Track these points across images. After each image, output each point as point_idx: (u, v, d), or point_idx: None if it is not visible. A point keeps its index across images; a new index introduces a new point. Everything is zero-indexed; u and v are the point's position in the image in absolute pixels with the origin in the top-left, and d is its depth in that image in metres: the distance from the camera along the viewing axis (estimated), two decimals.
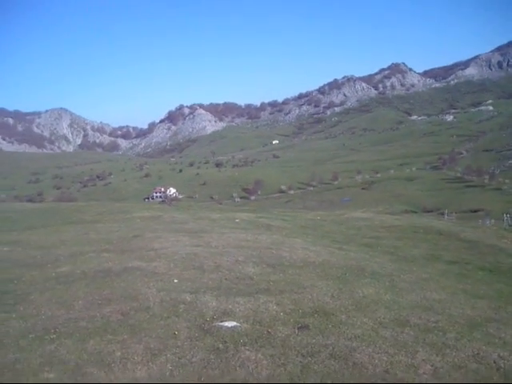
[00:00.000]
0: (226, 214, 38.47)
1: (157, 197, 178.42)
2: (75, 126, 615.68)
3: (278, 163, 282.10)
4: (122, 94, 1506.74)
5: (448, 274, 16.53)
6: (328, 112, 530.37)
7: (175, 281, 12.76)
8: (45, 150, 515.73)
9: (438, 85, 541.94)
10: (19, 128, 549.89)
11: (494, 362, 7.91)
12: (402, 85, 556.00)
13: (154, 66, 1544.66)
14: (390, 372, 7.41)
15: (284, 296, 11.40)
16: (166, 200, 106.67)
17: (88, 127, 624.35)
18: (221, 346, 8.41)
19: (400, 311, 10.56)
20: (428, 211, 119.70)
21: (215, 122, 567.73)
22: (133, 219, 33.60)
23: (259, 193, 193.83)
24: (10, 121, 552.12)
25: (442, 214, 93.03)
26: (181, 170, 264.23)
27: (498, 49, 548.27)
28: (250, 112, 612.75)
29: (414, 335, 9.06)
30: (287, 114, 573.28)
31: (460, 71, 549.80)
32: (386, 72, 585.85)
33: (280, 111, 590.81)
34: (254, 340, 8.67)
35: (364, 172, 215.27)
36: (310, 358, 7.88)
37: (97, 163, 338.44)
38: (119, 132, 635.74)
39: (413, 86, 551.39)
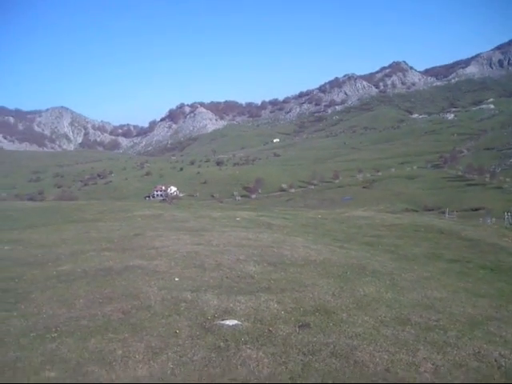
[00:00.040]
0: (226, 213, 38.48)
1: (158, 195, 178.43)
2: (76, 125, 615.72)
3: (278, 162, 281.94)
4: (123, 92, 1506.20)
5: (449, 273, 16.53)
6: (329, 110, 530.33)
7: (176, 279, 12.76)
8: (45, 149, 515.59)
9: (438, 83, 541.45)
10: (20, 127, 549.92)
11: (495, 361, 7.91)
12: (403, 83, 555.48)
13: (154, 64, 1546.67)
14: (390, 370, 7.41)
15: (285, 294, 11.40)
16: (167, 198, 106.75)
17: (89, 126, 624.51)
18: (222, 344, 8.41)
19: (401, 310, 10.56)
20: (429, 210, 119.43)
21: (216, 120, 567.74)
22: (134, 218, 33.61)
23: (260, 191, 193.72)
24: (11, 119, 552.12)
25: (443, 212, 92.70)
26: (182, 169, 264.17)
27: (499, 47, 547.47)
28: (251, 110, 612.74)
29: (415, 334, 9.06)
30: (288, 112, 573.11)
31: (461, 69, 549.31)
32: (387, 70, 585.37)
33: (281, 110, 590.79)
34: (255, 338, 8.67)
35: (365, 170, 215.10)
36: (311, 357, 7.88)
37: (98, 162, 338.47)
38: (120, 130, 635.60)
39: (414, 84, 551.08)
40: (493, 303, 11.91)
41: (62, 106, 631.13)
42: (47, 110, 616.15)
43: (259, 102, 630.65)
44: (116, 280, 12.65)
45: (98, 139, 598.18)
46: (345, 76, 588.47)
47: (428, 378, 7.20)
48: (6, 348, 8.23)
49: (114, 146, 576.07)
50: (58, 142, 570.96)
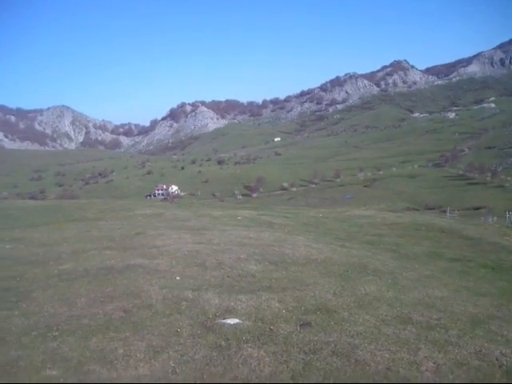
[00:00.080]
0: (227, 212, 38.53)
1: (159, 194, 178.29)
2: (77, 124, 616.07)
3: (280, 160, 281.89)
4: (124, 91, 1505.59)
5: (450, 272, 16.52)
6: (330, 109, 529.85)
7: (177, 278, 12.77)
8: (47, 148, 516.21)
9: (440, 82, 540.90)
10: (21, 125, 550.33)
11: (497, 360, 7.91)
12: (404, 82, 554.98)
13: (155, 63, 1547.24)
14: (392, 369, 7.41)
15: (286, 293, 11.41)
16: (168, 197, 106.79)
17: (90, 125, 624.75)
18: (223, 343, 8.42)
19: (402, 308, 10.56)
20: (430, 208, 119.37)
21: (217, 119, 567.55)
22: (135, 217, 33.66)
23: (261, 190, 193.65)
24: (12, 118, 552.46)
25: (444, 211, 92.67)
26: (183, 168, 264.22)
27: (501, 46, 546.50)
28: (252, 109, 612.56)
29: (416, 332, 9.06)
30: (289, 111, 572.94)
31: (462, 68, 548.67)
32: (388, 69, 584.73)
33: (282, 108, 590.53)
34: (257, 337, 8.68)
35: (366, 169, 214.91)
36: (312, 355, 7.88)
37: (99, 161, 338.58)
38: (121, 129, 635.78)
39: (415, 83, 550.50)
40: (494, 302, 11.90)
41: (63, 105, 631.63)
42: (48, 108, 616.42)
43: (260, 101, 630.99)
44: (117, 279, 12.66)
45: (100, 138, 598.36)
46: (346, 75, 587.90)
47: (429, 376, 7.20)
48: (8, 347, 8.24)
49: (116, 144, 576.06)
50: (59, 141, 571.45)
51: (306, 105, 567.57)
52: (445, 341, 8.66)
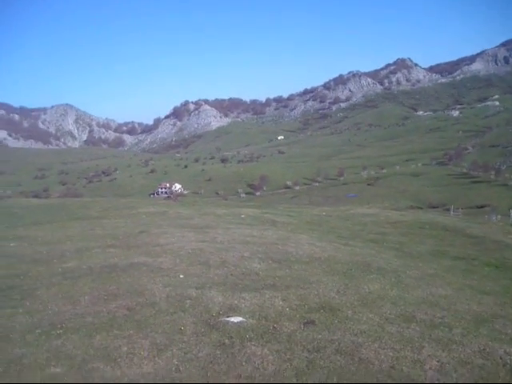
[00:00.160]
0: (231, 210, 38.54)
1: (162, 192, 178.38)
2: (81, 122, 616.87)
3: (283, 159, 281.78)
4: (128, 90, 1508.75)
5: (454, 270, 16.50)
6: (333, 108, 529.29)
7: (181, 276, 12.78)
8: (50, 146, 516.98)
9: (443, 80, 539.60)
10: (25, 124, 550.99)
11: (501, 358, 7.89)
12: (408, 80, 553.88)
13: (159, 61, 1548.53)
14: (395, 368, 7.40)
15: (290, 291, 11.41)
16: (172, 196, 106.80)
17: (93, 123, 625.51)
18: (227, 341, 8.42)
19: (406, 307, 10.55)
20: (434, 207, 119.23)
21: (220, 117, 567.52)
22: (138, 215, 33.71)
23: (264, 188, 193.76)
24: (16, 117, 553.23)
25: (448, 209, 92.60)
26: (186, 166, 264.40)
27: (505, 44, 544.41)
28: (256, 108, 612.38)
29: (420, 331, 9.05)
30: (292, 109, 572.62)
31: (466, 66, 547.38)
32: (392, 67, 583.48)
33: (285, 107, 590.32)
34: (260, 335, 8.68)
35: (369, 168, 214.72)
36: (315, 354, 7.88)
37: (102, 159, 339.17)
38: (124, 128, 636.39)
39: (418, 81, 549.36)
40: (498, 301, 11.88)
41: (66, 104, 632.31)
42: (52, 107, 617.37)
43: (264, 100, 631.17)
44: (121, 277, 12.68)
45: (103, 136, 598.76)
46: (349, 73, 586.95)
47: (433, 375, 7.19)
48: (12, 344, 8.26)
49: (119, 143, 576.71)
50: (62, 140, 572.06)
51: (310, 103, 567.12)
52: (448, 339, 8.64)
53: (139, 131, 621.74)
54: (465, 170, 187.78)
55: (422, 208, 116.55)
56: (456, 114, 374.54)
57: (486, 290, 13.21)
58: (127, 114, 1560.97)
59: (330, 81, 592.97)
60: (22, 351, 7.95)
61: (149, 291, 11.20)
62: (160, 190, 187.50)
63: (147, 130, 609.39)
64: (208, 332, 8.82)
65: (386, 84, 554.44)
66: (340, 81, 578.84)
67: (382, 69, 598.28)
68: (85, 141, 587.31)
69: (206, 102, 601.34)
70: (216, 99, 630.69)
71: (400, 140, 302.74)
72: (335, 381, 6.97)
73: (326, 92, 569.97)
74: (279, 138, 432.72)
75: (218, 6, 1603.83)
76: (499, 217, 66.51)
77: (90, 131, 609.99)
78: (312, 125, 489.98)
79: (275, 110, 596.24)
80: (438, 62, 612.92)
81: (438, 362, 7.64)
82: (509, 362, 7.76)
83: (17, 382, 6.93)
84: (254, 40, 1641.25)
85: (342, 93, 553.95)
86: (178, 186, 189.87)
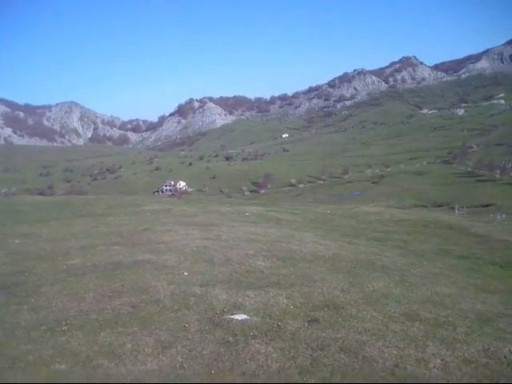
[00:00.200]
0: (235, 208, 38.58)
1: (166, 190, 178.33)
2: (85, 120, 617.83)
3: (287, 157, 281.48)
4: (132, 87, 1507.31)
5: (458, 269, 16.47)
6: (338, 106, 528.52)
7: (185, 274, 12.80)
8: (55, 144, 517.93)
9: (449, 78, 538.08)
10: (30, 121, 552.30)
11: (505, 357, 7.88)
12: (413, 78, 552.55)
13: (164, 59, 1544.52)
14: (399, 366, 7.40)
15: (294, 289, 11.41)
16: (176, 193, 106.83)
17: (98, 121, 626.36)
18: (231, 338, 8.44)
19: (410, 305, 10.54)
20: (438, 206, 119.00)
21: (225, 115, 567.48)
22: (143, 212, 33.77)
23: (269, 186, 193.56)
24: (21, 114, 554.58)
25: (453, 208, 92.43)
26: (190, 164, 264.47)
27: (510, 42, 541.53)
28: (260, 105, 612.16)
29: (424, 329, 9.04)
30: (297, 107, 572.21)
31: (471, 65, 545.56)
32: (397, 65, 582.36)
33: (290, 105, 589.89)
34: (264, 333, 8.69)
35: (374, 166, 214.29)
36: (319, 352, 7.89)
37: (107, 156, 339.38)
38: (129, 125, 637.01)
39: (423, 79, 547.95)
40: (502, 300, 11.85)
41: (71, 101, 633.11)
42: (57, 104, 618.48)
43: (268, 97, 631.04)
44: (125, 274, 12.71)
45: (108, 134, 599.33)
46: (354, 71, 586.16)
47: (437, 374, 7.19)
48: (17, 341, 8.31)
49: (124, 140, 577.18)
50: (67, 137, 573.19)
51: (314, 101, 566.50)
52: (453, 338, 8.64)
53: (144, 129, 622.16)
54: (470, 169, 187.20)
55: (426, 206, 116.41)
56: (461, 112, 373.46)
57: (490, 289, 13.19)
58: (132, 112, 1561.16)
59: (334, 79, 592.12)
60: (27, 347, 7.99)
61: (153, 288, 11.23)
62: (164, 187, 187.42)
63: (152, 127, 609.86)
64: (212, 329, 8.84)
65: (391, 82, 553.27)
66: (345, 79, 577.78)
67: (387, 67, 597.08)
68: (89, 138, 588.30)
69: (211, 99, 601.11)
70: (221, 97, 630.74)
71: (405, 138, 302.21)
72: (339, 378, 6.98)
73: (331, 90, 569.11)
74: (284, 135, 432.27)
75: (224, 4, 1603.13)
76: (504, 216, 66.33)
77: (95, 129, 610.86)
78: (316, 123, 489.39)
79: (280, 107, 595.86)
80: (444, 60, 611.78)
81: (441, 360, 7.64)
82: None
83: (22, 378, 6.97)
84: (258, 38, 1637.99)
85: (346, 91, 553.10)
86: (182, 184, 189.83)
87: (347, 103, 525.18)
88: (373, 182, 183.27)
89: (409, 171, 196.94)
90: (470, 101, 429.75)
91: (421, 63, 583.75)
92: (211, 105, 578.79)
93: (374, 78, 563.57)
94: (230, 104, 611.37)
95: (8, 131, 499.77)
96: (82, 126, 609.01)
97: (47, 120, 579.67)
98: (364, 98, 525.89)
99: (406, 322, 9.40)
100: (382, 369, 7.29)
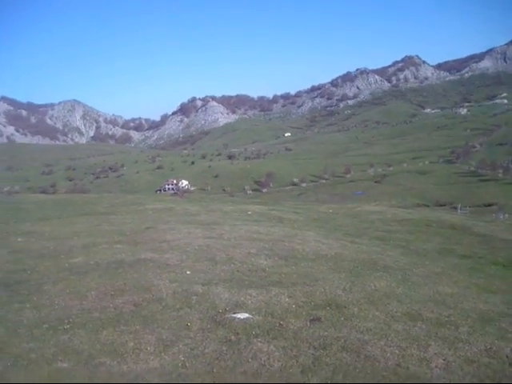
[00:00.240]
0: (238, 207, 38.57)
1: (169, 189, 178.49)
2: (88, 118, 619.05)
3: (290, 156, 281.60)
4: (135, 86, 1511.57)
5: (461, 269, 16.43)
6: (341, 105, 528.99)
7: (188, 272, 12.81)
8: (58, 142, 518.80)
9: (452, 77, 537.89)
10: (32, 120, 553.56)
11: (507, 357, 7.86)
12: (416, 77, 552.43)
13: (166, 58, 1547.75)
14: (401, 365, 7.40)
15: (296, 288, 11.41)
16: (178, 192, 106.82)
17: (101, 119, 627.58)
18: (233, 337, 8.44)
19: (412, 305, 10.53)
20: (441, 205, 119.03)
21: (228, 114, 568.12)
22: (145, 211, 33.78)
23: (271, 185, 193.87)
24: (24, 113, 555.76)
25: (455, 207, 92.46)
26: (193, 162, 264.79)
27: None
28: (263, 104, 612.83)
29: (427, 329, 9.03)
30: (300, 106, 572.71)
31: (474, 64, 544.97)
32: (400, 65, 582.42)
33: (293, 104, 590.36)
34: (266, 332, 8.69)
35: (377, 165, 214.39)
36: (321, 351, 7.88)
37: (109, 155, 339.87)
38: (132, 124, 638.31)
39: (426, 78, 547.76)
40: (504, 299, 11.82)
41: (74, 100, 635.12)
42: (59, 103, 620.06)
43: (271, 96, 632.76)
44: (128, 273, 12.72)
45: (110, 132, 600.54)
46: (357, 70, 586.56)
47: (439, 373, 7.18)
48: (20, 339, 8.32)
49: (126, 139, 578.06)
50: (70, 136, 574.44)
51: (317, 100, 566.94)
52: (455, 338, 8.62)
53: (146, 127, 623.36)
54: (472, 168, 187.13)
55: (428, 206, 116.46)
56: (464, 111, 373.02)
57: (492, 289, 13.16)
58: (134, 111, 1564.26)
59: (337, 78, 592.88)
60: (30, 346, 8.01)
61: (155, 287, 11.23)
62: (167, 186, 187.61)
63: (154, 126, 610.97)
64: (214, 328, 8.84)
65: (394, 81, 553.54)
66: (347, 78, 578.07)
67: (389, 66, 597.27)
68: (92, 137, 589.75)
69: (214, 98, 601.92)
70: (223, 96, 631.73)
71: (407, 138, 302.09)
72: (341, 378, 6.98)
73: (334, 89, 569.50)
74: (286, 134, 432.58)
75: (228, 2, 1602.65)
76: (507, 215, 66.41)
77: (97, 127, 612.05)
78: (319, 122, 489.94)
79: (282, 106, 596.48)
80: (447, 60, 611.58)
81: (444, 360, 7.64)
82: None
83: (24, 376, 6.98)
84: (262, 37, 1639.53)
85: (349, 90, 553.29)
86: (184, 183, 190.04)
87: (350, 102, 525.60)
88: (375, 182, 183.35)
89: (411, 170, 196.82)
90: (472, 100, 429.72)
91: (424, 62, 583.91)
92: (214, 103, 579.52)
93: (376, 77, 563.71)
94: (233, 103, 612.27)
95: (11, 129, 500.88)
96: (85, 125, 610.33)
97: (50, 118, 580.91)
98: (367, 98, 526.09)
99: (408, 322, 9.39)
100: (384, 368, 7.29)
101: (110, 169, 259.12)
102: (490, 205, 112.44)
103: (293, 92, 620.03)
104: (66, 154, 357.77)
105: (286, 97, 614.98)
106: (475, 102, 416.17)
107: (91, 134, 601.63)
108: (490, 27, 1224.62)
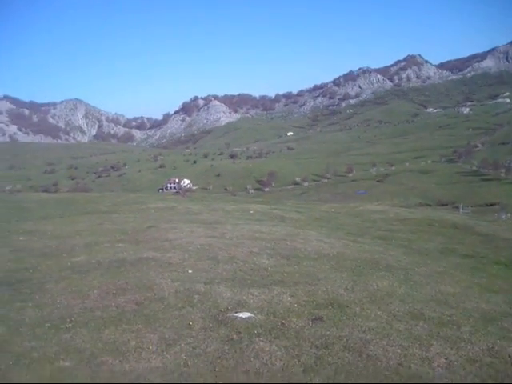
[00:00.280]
0: (240, 206, 38.58)
1: (171, 188, 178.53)
2: (90, 117, 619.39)
3: (292, 155, 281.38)
4: (137, 85, 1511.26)
5: (463, 268, 16.41)
6: (343, 104, 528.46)
7: (190, 271, 12.81)
8: (60, 141, 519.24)
9: (454, 77, 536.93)
10: (35, 119, 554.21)
11: (509, 356, 7.85)
12: (418, 77, 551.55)
13: (169, 57, 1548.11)
14: (403, 365, 7.39)
15: (298, 288, 11.41)
16: (180, 191, 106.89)
17: (103, 118, 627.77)
18: (235, 336, 8.44)
19: (414, 304, 10.52)
20: (443, 204, 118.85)
21: (230, 113, 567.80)
22: (147, 210, 33.81)
23: (273, 184, 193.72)
24: (26, 111, 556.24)
25: (457, 207, 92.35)
26: (195, 162, 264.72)
27: None
28: (265, 103, 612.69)
29: (429, 328, 9.02)
30: (302, 105, 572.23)
31: (477, 63, 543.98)
32: (402, 64, 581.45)
33: (295, 103, 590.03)
34: (268, 331, 8.69)
35: (379, 164, 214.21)
36: (323, 350, 7.88)
37: (111, 154, 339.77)
38: (134, 123, 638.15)
39: (429, 78, 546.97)
40: (507, 299, 11.80)
41: (76, 99, 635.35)
42: (61, 102, 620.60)
43: (273, 95, 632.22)
44: (130, 271, 12.73)
45: (112, 131, 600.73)
46: (359, 69, 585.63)
47: (441, 373, 7.17)
48: (22, 338, 8.33)
49: (128, 138, 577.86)
50: (72, 134, 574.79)
51: (319, 99, 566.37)
52: (457, 337, 8.62)
53: (148, 126, 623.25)
54: (474, 168, 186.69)
55: (430, 205, 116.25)
56: (466, 111, 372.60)
57: (494, 289, 13.14)
58: (136, 109, 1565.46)
59: (339, 77, 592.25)
60: (32, 344, 8.02)
61: (157, 286, 11.24)
62: (169, 185, 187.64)
63: (156, 125, 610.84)
64: (216, 327, 8.84)
65: (396, 81, 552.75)
66: (350, 77, 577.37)
67: (391, 65, 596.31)
68: (94, 136, 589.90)
69: (216, 97, 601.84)
70: (225, 95, 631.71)
71: (409, 137, 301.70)
72: (343, 377, 6.98)
73: (336, 88, 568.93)
74: (288, 134, 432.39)
75: (230, 1, 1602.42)
76: (509, 215, 66.31)
77: (100, 126, 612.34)
78: (321, 121, 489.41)
79: (284, 105, 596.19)
80: (449, 59, 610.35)
81: (446, 359, 7.63)
82: None
83: (26, 374, 6.99)
84: (264, 36, 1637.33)
85: (351, 89, 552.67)
86: (186, 182, 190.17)
87: (352, 101, 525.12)
88: (377, 181, 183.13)
89: (413, 170, 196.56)
90: (475, 99, 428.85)
91: (426, 62, 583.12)
92: (216, 103, 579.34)
93: (378, 76, 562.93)
94: (235, 102, 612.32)
95: (13, 128, 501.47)
96: (87, 124, 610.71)
97: (52, 117, 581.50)
98: (369, 97, 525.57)
99: (410, 321, 9.39)
100: (386, 367, 7.29)
101: (112, 168, 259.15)
102: (492, 204, 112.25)
103: (295, 91, 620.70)
104: (68, 152, 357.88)
105: (288, 96, 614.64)
106: (477, 102, 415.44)
107: (93, 132, 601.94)
108: (492, 26, 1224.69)
